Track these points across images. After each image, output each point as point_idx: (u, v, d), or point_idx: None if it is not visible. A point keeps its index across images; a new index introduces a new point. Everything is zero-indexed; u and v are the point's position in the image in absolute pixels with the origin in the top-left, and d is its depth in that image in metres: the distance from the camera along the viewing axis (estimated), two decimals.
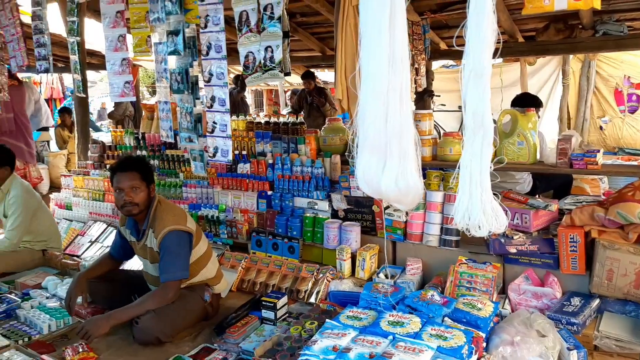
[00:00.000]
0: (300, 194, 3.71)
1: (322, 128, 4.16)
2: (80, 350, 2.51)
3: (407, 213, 3.25)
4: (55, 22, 4.56)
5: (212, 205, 4.01)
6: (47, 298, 3.18)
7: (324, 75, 10.64)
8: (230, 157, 3.10)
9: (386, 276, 3.11)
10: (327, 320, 2.48)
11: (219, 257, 3.60)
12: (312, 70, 7.97)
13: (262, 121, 4.52)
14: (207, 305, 2.92)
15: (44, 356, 2.47)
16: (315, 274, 3.26)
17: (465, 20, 1.44)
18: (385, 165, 1.57)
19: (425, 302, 2.54)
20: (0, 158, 3.69)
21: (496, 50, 1.44)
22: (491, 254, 3.01)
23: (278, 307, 2.81)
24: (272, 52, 2.66)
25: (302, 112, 7.38)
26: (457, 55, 7.12)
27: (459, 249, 3.16)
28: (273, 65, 2.67)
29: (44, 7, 3.75)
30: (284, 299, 2.89)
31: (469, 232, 1.50)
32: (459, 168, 1.48)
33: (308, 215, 3.62)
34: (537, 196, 3.31)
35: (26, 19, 4.13)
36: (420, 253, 3.25)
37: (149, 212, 2.80)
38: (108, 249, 3.20)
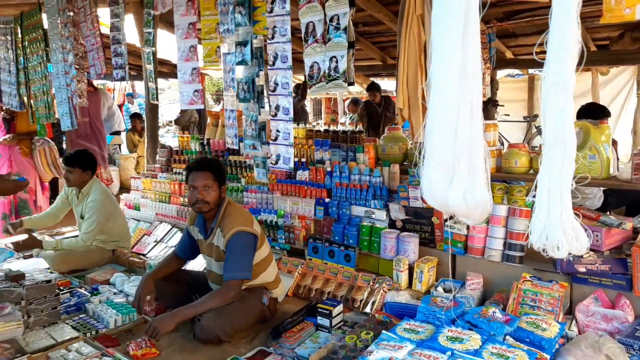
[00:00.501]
0: (357, 203, 3.69)
1: (382, 137, 4.13)
2: (144, 345, 2.60)
3: (468, 226, 3.14)
4: (129, 32, 4.79)
5: (271, 210, 4.06)
6: (115, 294, 3.31)
7: (383, 84, 10.58)
8: (291, 164, 3.13)
9: (444, 290, 3.01)
10: (383, 331, 2.43)
11: (276, 261, 3.62)
12: (370, 79, 7.94)
13: (322, 129, 4.56)
14: (264, 309, 2.95)
15: (109, 349, 2.57)
16: (371, 283, 3.22)
17: (547, 31, 1.36)
18: (452, 179, 1.52)
19: (487, 319, 2.44)
20: (84, 163, 3.92)
21: (579, 60, 1.35)
22: (558, 272, 2.85)
23: (333, 315, 2.79)
24: (337, 62, 2.67)
25: (361, 122, 7.35)
26: (523, 64, 6.88)
27: (522, 266, 3.02)
28: (337, 75, 2.68)
29: (121, 18, 3.96)
30: (340, 307, 2.87)
31: (546, 252, 1.42)
32: (536, 185, 1.41)
33: (365, 224, 3.58)
34: (608, 213, 3.11)
35: (104, 29, 4.36)
36: (481, 268, 3.13)
37: (218, 211, 2.89)
38: (172, 250, 3.30)
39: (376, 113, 7.26)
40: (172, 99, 11.06)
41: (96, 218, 3.87)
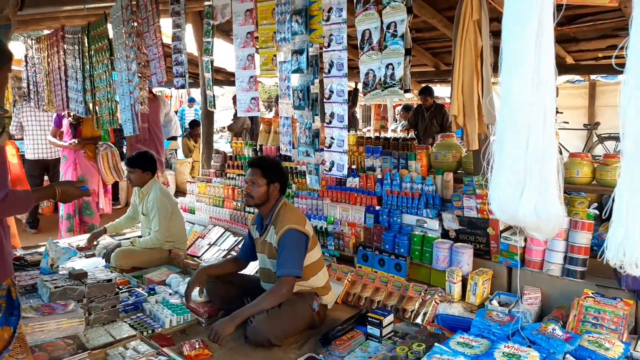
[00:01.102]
0: (409, 211, 3.63)
1: (435, 144, 4.04)
2: (197, 346, 2.63)
3: (526, 238, 3.01)
4: (188, 42, 4.93)
5: (321, 216, 4.06)
6: (170, 294, 3.38)
7: (436, 91, 10.43)
8: (345, 171, 3.12)
9: (500, 304, 2.89)
10: (435, 344, 2.35)
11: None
12: (422, 85, 7.81)
13: (373, 136, 4.53)
14: (314, 314, 2.94)
15: (164, 349, 2.62)
16: (422, 294, 3.14)
17: (627, 38, 1.27)
18: (523, 191, 1.44)
19: (546, 336, 2.31)
20: (144, 164, 4.12)
21: None
22: (623, 289, 2.68)
23: (384, 325, 2.73)
24: (393, 69, 2.64)
25: (414, 128, 7.22)
26: (584, 70, 6.56)
27: (584, 281, 2.85)
28: (393, 82, 2.65)
29: (182, 28, 4.07)
30: (390, 317, 2.81)
31: (622, 269, 1.32)
32: (612, 199, 1.31)
33: (417, 233, 3.52)
34: None
35: (165, 39, 4.50)
36: (540, 282, 2.99)
37: (273, 209, 2.98)
38: (231, 254, 3.37)
39: (422, 118, 7.12)
40: (225, 106, 11.31)
41: (158, 215, 4.04)
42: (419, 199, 3.59)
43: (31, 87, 6.43)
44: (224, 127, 10.87)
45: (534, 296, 2.91)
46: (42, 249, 4.04)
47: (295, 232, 2.84)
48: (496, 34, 2.11)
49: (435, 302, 3.04)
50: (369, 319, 2.76)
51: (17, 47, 6.59)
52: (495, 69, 1.77)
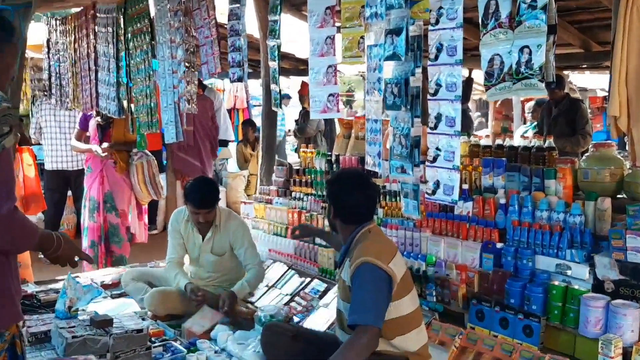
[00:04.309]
0: (545, 252, 3.51)
1: (584, 157, 3.84)
2: None
3: None
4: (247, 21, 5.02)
5: (418, 254, 4.00)
6: (216, 353, 3.42)
7: (583, 79, 10.11)
8: (456, 195, 3.07)
9: None
10: None
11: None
12: (564, 73, 7.50)
13: (493, 144, 4.43)
14: None
15: None
16: None
17: None
18: None
19: None
20: (217, 193, 4.31)
21: None
22: None
23: None
24: (530, 54, 2.55)
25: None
26: None
27: None
28: (530, 72, 2.55)
29: (242, 4, 4.14)
30: None
31: None
32: None
33: (556, 283, 3.38)
34: None
35: (219, 18, 4.59)
36: None
37: (352, 236, 3.07)
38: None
39: (548, 116, 6.80)
40: (291, 103, 11.46)
41: (250, 240, 4.31)
42: (561, 235, 3.46)
43: (53, 79, 6.70)
44: (289, 130, 10.99)
45: None
46: (59, 285, 4.21)
47: (372, 267, 2.84)
48: None
49: None
50: None
51: (38, 30, 6.86)
52: None
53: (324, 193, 4.79)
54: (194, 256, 4.41)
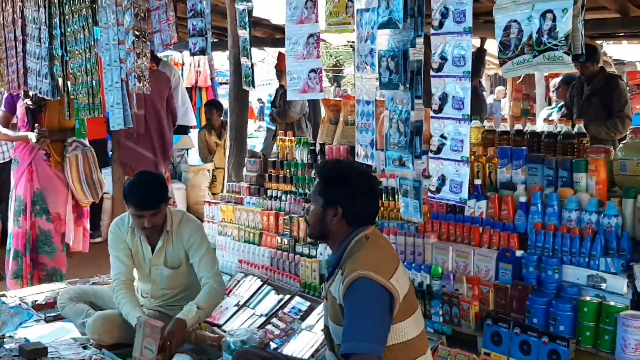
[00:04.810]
0: (574, 261, 3.54)
1: (620, 145, 3.87)
2: None
3: None
4: None
5: (421, 265, 4.03)
6: None
7: (619, 50, 10.16)
8: (465, 193, 3.05)
9: None
10: None
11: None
12: (597, 43, 7.54)
13: (510, 129, 4.43)
14: None
15: None
16: None
17: None
18: None
19: None
20: (165, 190, 4.33)
21: None
22: None
23: None
24: (553, 20, 2.55)
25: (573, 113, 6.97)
26: None
27: None
28: (554, 42, 2.55)
29: None
30: None
31: None
32: None
33: (588, 299, 3.41)
34: None
35: None
36: None
37: (344, 244, 3.08)
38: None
39: (579, 95, 6.84)
40: (266, 78, 11.41)
41: (209, 247, 4.30)
42: (593, 240, 3.48)
43: None
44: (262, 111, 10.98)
45: None
46: None
47: (369, 282, 2.85)
48: None
49: None
50: None
51: None
52: None
53: (307, 191, 4.81)
54: (145, 271, 4.40)
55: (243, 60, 4.23)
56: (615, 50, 10.26)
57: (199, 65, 11.43)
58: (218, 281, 4.25)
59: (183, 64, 11.53)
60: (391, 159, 3.37)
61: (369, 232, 3.08)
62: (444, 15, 2.99)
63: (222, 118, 9.22)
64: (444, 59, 3.03)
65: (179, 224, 4.31)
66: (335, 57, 17.57)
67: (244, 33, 4.13)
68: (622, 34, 8.00)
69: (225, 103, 7.95)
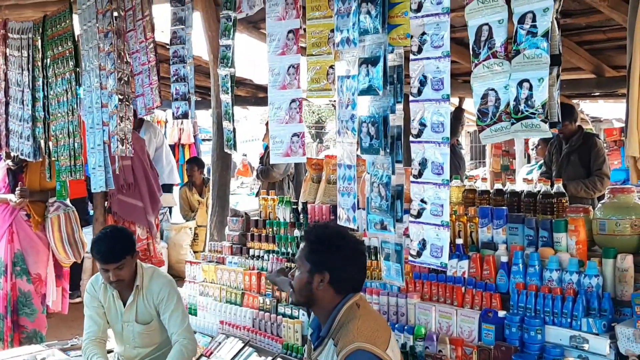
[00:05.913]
0: (557, 321, 3.53)
1: (599, 204, 3.94)
2: None
3: None
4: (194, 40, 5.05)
5: (404, 326, 4.00)
6: None
7: (595, 108, 10.35)
8: (445, 258, 3.07)
9: None
10: None
11: None
12: (573, 102, 7.67)
13: (491, 188, 4.45)
14: None
15: None
16: None
17: None
18: None
19: None
20: (131, 243, 4.30)
21: None
22: None
23: None
24: (530, 89, 2.59)
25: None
26: None
27: None
28: (531, 110, 2.60)
29: (188, 25, 4.17)
30: None
31: None
32: None
33: (570, 359, 3.39)
34: None
35: (159, 37, 4.62)
36: None
37: (333, 313, 3.05)
38: None
39: (558, 153, 6.91)
40: (249, 136, 11.48)
41: (181, 304, 4.26)
42: (574, 300, 3.48)
43: None
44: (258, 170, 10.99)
45: None
46: None
47: (367, 355, 2.83)
48: None
49: None
50: None
51: None
52: None
53: (289, 250, 4.80)
54: (117, 329, 4.38)
55: (225, 124, 4.26)
56: (592, 108, 10.42)
57: (182, 123, 11.48)
58: (189, 338, 4.24)
59: (166, 122, 11.60)
60: (373, 222, 3.39)
61: (357, 300, 3.07)
62: (422, 83, 3.02)
63: (203, 175, 9.24)
64: (423, 125, 3.07)
65: (150, 279, 4.31)
66: (318, 114, 17.72)
67: (226, 98, 4.17)
68: (598, 93, 8.14)
69: (208, 160, 7.98)
